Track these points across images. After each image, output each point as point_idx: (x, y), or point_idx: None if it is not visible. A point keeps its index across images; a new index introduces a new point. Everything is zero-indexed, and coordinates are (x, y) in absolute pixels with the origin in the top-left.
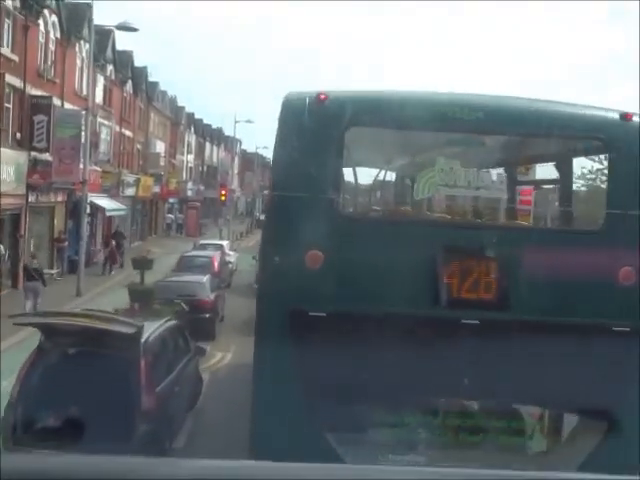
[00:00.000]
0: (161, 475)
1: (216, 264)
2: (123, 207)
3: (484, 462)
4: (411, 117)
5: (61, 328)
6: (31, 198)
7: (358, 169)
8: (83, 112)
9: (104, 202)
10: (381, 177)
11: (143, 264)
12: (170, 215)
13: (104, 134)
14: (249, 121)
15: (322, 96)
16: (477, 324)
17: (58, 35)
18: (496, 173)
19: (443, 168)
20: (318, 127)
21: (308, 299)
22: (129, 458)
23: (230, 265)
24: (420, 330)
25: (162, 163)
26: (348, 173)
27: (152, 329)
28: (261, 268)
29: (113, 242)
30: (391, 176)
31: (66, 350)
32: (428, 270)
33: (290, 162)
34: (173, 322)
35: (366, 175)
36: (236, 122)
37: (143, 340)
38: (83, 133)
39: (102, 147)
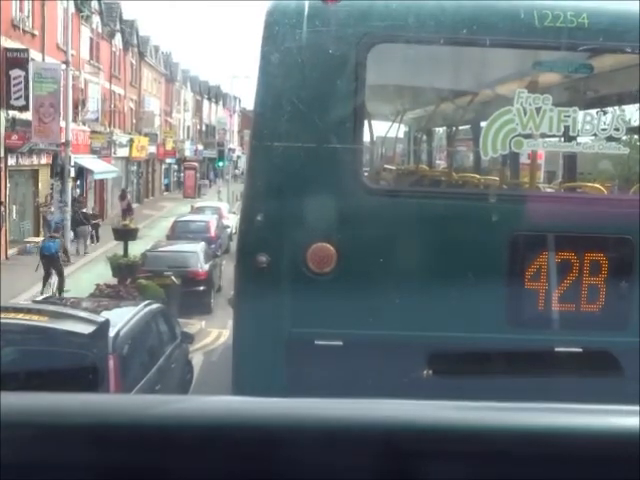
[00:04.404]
0: (168, 411)
1: (213, 229)
2: (114, 169)
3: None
4: (475, 27)
5: (8, 327)
6: (11, 161)
7: (387, 114)
8: (62, 66)
9: (92, 164)
10: (422, 126)
11: (125, 235)
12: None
13: (92, 91)
14: (247, 77)
15: None
16: (580, 354)
17: None
18: (611, 116)
19: (525, 108)
20: (324, 45)
21: (312, 320)
22: (136, 396)
23: (228, 229)
24: (491, 365)
25: (157, 122)
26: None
27: (126, 318)
28: (238, 269)
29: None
30: (440, 124)
31: (21, 348)
32: (499, 270)
33: (281, 98)
34: (154, 306)
35: (398, 123)
36: (234, 78)
37: (113, 334)
38: (63, 89)
39: (90, 105)
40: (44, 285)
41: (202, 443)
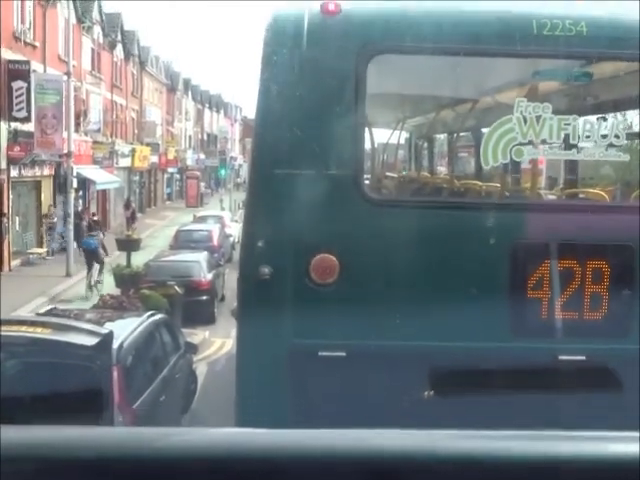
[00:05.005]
0: (169, 444)
1: (215, 238)
2: (116, 179)
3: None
4: (476, 37)
5: (12, 339)
6: (13, 172)
7: (388, 123)
8: (64, 77)
9: (94, 174)
10: (423, 134)
11: (128, 245)
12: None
13: (93, 102)
14: (248, 86)
15: (331, 7)
16: (583, 362)
17: None
18: (612, 122)
19: (526, 117)
20: (324, 57)
21: (315, 331)
22: (137, 429)
23: (231, 238)
24: (495, 376)
25: (159, 132)
26: (372, 131)
27: (130, 329)
28: (241, 280)
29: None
30: (440, 133)
31: (24, 361)
32: (502, 280)
33: (281, 119)
34: (157, 317)
35: (399, 132)
36: (235, 86)
37: (117, 345)
38: (65, 100)
39: (92, 116)
40: (88, 274)
41: (204, 475)
